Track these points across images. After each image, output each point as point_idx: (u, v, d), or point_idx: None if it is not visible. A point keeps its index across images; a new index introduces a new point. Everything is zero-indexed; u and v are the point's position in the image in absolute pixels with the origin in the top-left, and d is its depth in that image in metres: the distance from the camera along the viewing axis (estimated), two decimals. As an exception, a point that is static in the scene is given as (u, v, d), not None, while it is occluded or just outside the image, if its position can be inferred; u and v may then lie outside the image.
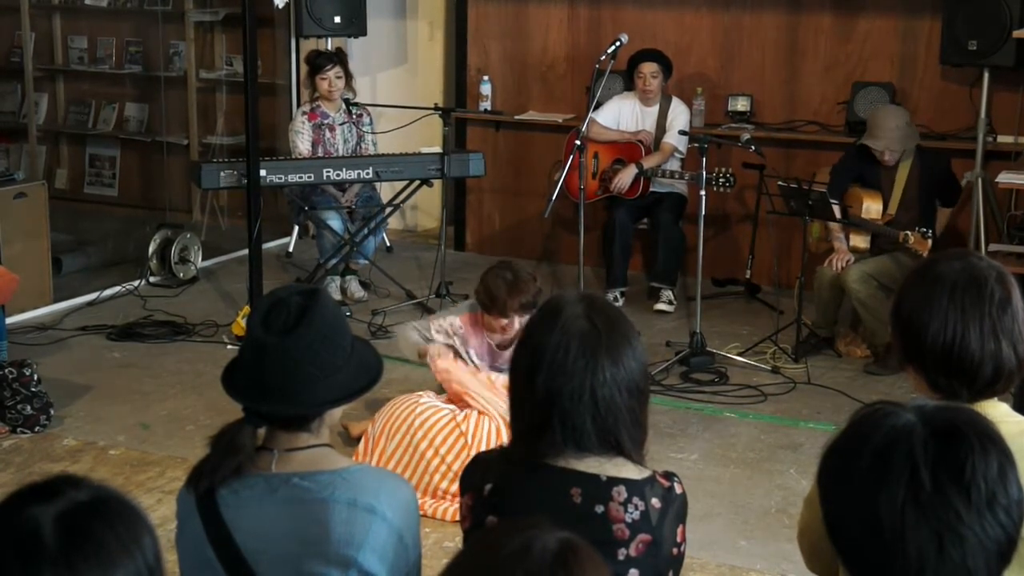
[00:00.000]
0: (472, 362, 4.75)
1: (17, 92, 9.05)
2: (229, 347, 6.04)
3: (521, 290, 4.60)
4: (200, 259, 7.35)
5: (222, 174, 6.28)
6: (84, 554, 1.39)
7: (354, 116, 6.97)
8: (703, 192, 5.79)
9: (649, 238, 6.98)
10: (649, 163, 6.70)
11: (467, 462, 2.29)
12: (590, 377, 2.06)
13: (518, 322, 4.65)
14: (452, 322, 4.82)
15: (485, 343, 4.78)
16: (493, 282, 4.62)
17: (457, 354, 4.76)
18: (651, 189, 6.78)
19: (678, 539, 2.13)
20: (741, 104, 7.12)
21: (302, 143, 6.88)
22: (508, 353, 4.76)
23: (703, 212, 5.81)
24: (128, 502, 1.48)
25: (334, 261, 6.78)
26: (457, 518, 4.30)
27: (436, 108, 6.74)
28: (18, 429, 5.00)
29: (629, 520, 2.07)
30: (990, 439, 1.48)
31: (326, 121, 6.94)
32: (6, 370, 5.02)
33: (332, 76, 6.89)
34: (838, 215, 5.84)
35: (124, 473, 4.68)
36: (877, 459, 1.47)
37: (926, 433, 1.47)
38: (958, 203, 6.17)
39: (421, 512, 2.84)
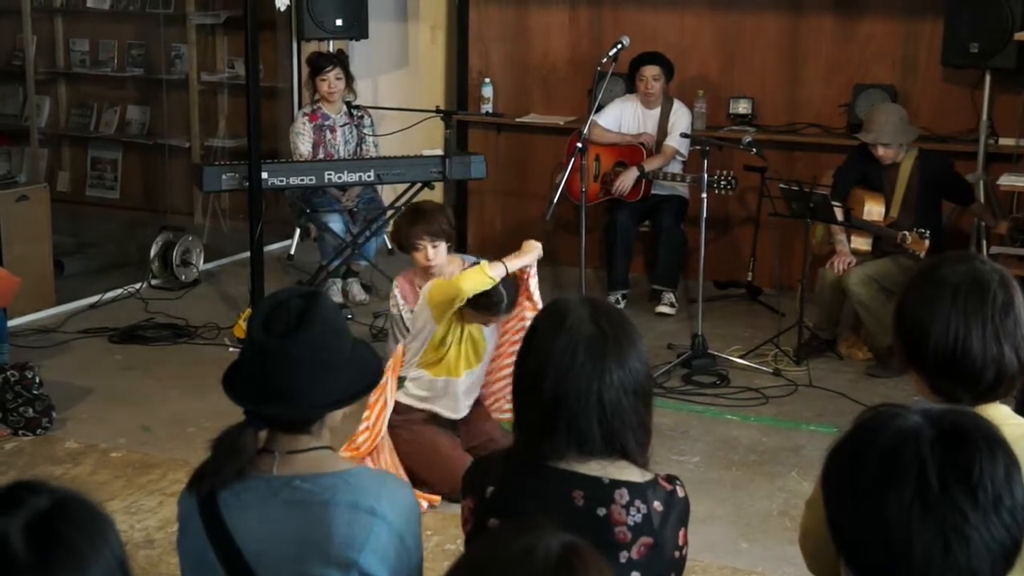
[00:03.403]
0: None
1: (19, 95, 9.04)
2: (231, 349, 6.04)
3: (421, 218, 4.60)
4: (202, 262, 7.35)
5: (224, 177, 6.27)
6: (60, 561, 1.38)
7: (355, 118, 6.98)
8: (705, 194, 5.79)
9: (650, 240, 6.97)
10: (651, 165, 6.70)
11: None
12: (597, 380, 2.06)
13: (431, 251, 4.59)
14: (392, 293, 4.82)
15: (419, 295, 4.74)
16: (397, 222, 4.67)
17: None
18: (652, 191, 6.78)
19: (680, 542, 2.13)
20: (743, 107, 7.11)
21: (303, 144, 6.88)
22: None
23: (705, 214, 5.81)
24: (87, 500, 1.47)
25: (336, 263, 6.78)
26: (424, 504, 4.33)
27: (438, 111, 6.73)
28: (20, 432, 5.00)
29: (631, 523, 2.07)
30: (996, 442, 1.48)
31: (327, 122, 6.94)
32: (8, 373, 5.02)
33: (332, 77, 6.89)
34: (840, 217, 5.84)
35: (126, 475, 4.68)
36: (884, 460, 1.47)
37: (933, 435, 1.47)
38: (975, 199, 6.13)
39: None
